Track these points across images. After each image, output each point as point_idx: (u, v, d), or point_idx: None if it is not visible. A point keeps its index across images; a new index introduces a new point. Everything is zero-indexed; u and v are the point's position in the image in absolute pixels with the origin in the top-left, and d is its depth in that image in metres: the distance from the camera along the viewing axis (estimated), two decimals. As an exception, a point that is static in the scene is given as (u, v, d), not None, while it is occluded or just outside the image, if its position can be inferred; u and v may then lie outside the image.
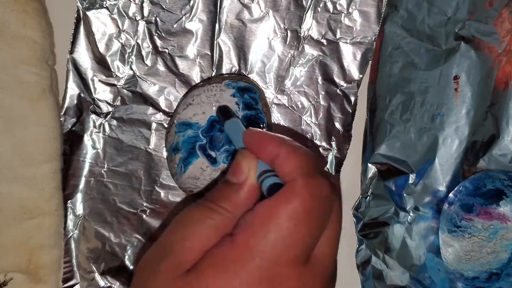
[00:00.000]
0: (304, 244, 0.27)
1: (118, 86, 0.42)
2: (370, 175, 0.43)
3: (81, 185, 0.42)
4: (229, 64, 0.42)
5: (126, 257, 0.43)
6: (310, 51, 0.42)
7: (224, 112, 0.38)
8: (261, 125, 0.40)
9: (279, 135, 0.31)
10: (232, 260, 0.27)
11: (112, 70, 0.41)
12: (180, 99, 0.41)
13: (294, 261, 0.27)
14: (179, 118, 0.40)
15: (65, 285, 0.42)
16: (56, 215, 0.40)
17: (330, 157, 0.43)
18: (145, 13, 0.41)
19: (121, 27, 0.41)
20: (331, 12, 0.42)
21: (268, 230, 0.27)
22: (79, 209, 0.42)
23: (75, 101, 0.42)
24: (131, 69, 0.42)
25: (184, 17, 0.41)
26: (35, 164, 0.39)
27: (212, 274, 0.27)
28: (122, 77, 0.42)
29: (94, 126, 0.42)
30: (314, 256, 0.28)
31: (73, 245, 0.42)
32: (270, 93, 0.43)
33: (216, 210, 0.29)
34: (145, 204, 0.42)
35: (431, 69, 0.42)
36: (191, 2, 0.41)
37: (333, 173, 0.43)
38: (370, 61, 0.43)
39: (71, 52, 0.41)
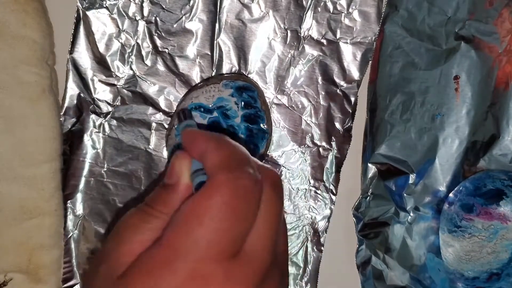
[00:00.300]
0: (228, 239, 0.27)
1: (118, 86, 0.42)
2: (370, 175, 0.43)
3: (81, 185, 0.42)
4: (229, 64, 0.42)
5: (126, 257, 0.42)
6: (310, 51, 0.42)
7: (182, 115, 0.38)
8: (261, 123, 0.40)
9: (212, 133, 0.31)
10: (157, 262, 0.27)
11: (112, 70, 0.41)
12: (179, 101, 0.41)
13: (219, 257, 0.27)
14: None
15: (65, 285, 0.42)
16: (56, 215, 0.40)
17: (330, 157, 0.43)
18: (145, 13, 0.41)
19: (121, 27, 0.41)
20: (331, 12, 0.42)
21: (190, 228, 0.27)
22: (79, 209, 0.42)
23: (75, 101, 0.42)
24: (131, 69, 0.42)
25: (184, 17, 0.41)
26: (35, 164, 0.39)
27: (138, 278, 0.27)
28: (122, 77, 0.42)
29: (94, 126, 0.42)
30: (244, 250, 0.28)
31: (73, 245, 0.42)
32: (270, 93, 0.43)
33: (152, 213, 0.29)
34: (145, 204, 0.42)
35: (431, 69, 0.42)
36: (191, 2, 0.41)
37: (333, 173, 0.43)
38: (370, 61, 0.43)
39: (71, 52, 0.41)
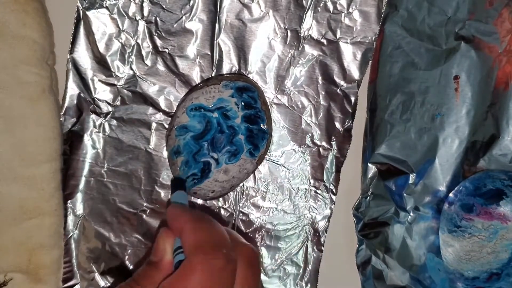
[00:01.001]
0: None
1: (118, 86, 0.42)
2: (370, 175, 0.43)
3: (81, 185, 0.42)
4: (229, 64, 0.42)
5: (126, 257, 0.43)
6: (310, 51, 0.42)
7: (180, 185, 0.39)
8: (261, 124, 0.40)
9: (193, 212, 0.33)
10: None
11: (112, 70, 0.41)
12: (179, 102, 0.41)
13: None
14: (179, 122, 0.40)
15: (65, 285, 0.42)
16: (56, 215, 0.40)
17: (330, 157, 0.43)
18: (145, 13, 0.41)
19: (121, 27, 0.41)
20: (331, 12, 0.42)
21: None
22: (79, 209, 0.42)
23: (75, 101, 0.41)
24: (131, 69, 0.42)
25: (184, 17, 0.41)
26: (35, 164, 0.39)
27: None
28: (122, 77, 0.42)
29: (94, 126, 0.42)
30: None
31: (73, 245, 0.42)
32: (270, 93, 0.43)
33: None
34: (145, 204, 0.42)
35: (431, 69, 0.42)
36: (191, 2, 0.41)
37: (333, 173, 0.43)
38: (370, 61, 0.43)
39: (71, 52, 0.41)
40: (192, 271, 0.29)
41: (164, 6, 0.41)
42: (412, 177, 0.42)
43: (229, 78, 0.41)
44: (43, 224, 0.40)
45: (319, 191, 0.43)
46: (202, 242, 0.30)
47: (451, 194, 0.41)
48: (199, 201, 0.43)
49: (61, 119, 0.41)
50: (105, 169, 0.42)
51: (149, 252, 0.42)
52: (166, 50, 0.42)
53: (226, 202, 0.43)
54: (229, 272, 0.30)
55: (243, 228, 0.43)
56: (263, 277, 0.44)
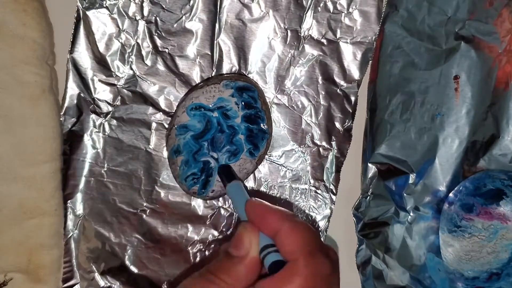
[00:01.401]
0: None
1: (118, 86, 0.42)
2: (370, 175, 0.43)
3: (81, 185, 0.42)
4: (229, 64, 0.42)
5: (126, 257, 0.43)
6: (310, 50, 0.42)
7: (226, 174, 0.38)
8: (261, 124, 0.40)
9: (280, 208, 0.32)
10: None
11: (112, 70, 0.41)
12: (179, 101, 0.41)
13: None
14: (179, 121, 0.40)
15: (65, 285, 0.42)
16: (56, 215, 0.40)
17: (330, 157, 0.43)
18: (145, 12, 0.41)
19: (121, 26, 0.41)
20: (331, 11, 0.42)
21: None
22: (79, 209, 0.42)
23: (75, 101, 0.41)
24: (131, 68, 0.42)
25: (184, 16, 0.41)
26: (35, 164, 0.39)
27: None
28: (122, 77, 0.42)
29: (94, 126, 0.42)
30: None
31: (73, 245, 0.42)
32: (270, 93, 0.43)
33: (214, 281, 0.30)
34: (145, 204, 0.42)
35: (431, 69, 0.42)
36: (191, 2, 0.41)
37: (333, 173, 0.43)
38: (370, 61, 0.43)
39: (71, 52, 0.41)
40: (299, 276, 0.28)
41: (164, 6, 0.41)
42: (412, 177, 0.42)
43: (229, 78, 0.41)
44: (43, 224, 0.40)
45: (319, 191, 0.43)
46: (307, 245, 0.29)
47: (451, 194, 0.41)
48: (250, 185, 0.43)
49: (61, 119, 0.41)
50: (105, 169, 0.42)
51: (150, 251, 0.42)
52: (166, 50, 0.42)
53: (226, 202, 0.43)
54: (336, 278, 0.30)
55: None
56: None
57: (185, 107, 0.40)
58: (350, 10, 0.42)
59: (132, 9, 0.41)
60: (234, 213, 0.43)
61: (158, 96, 0.42)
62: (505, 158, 0.41)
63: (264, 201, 0.33)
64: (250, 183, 0.43)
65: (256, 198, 0.34)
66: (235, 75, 0.42)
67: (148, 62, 0.42)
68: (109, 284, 0.42)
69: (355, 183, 0.44)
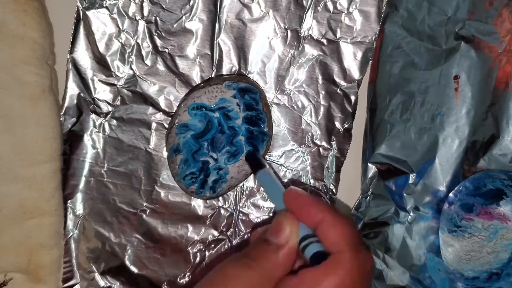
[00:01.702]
0: None
1: (118, 86, 0.42)
2: (370, 175, 0.43)
3: (81, 185, 0.42)
4: (229, 64, 0.42)
5: (126, 257, 0.43)
6: (310, 50, 0.42)
7: (254, 161, 0.38)
8: (262, 126, 0.40)
9: (321, 200, 0.32)
10: None
11: (112, 70, 0.41)
12: (180, 101, 0.41)
13: None
14: (180, 120, 0.40)
15: (65, 285, 0.42)
16: (56, 215, 0.40)
17: (330, 157, 0.43)
18: (145, 12, 0.41)
19: (121, 26, 0.41)
20: (331, 11, 0.42)
21: None
22: (79, 209, 0.42)
23: (75, 101, 0.41)
24: (131, 68, 0.42)
25: (184, 16, 0.41)
26: (35, 164, 0.39)
27: None
28: (122, 77, 0.42)
29: (94, 126, 0.42)
30: None
31: (73, 245, 0.42)
32: (270, 93, 0.42)
33: (253, 267, 0.30)
34: (145, 204, 0.42)
35: (431, 69, 0.42)
36: (191, 2, 0.41)
37: (333, 173, 0.43)
38: (370, 61, 0.43)
39: (71, 52, 0.41)
40: (344, 269, 0.28)
41: (164, 6, 0.41)
42: (412, 177, 0.42)
43: (232, 79, 0.41)
44: (43, 224, 0.40)
45: (319, 191, 0.43)
46: (352, 238, 0.29)
47: (451, 194, 0.41)
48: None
49: (61, 119, 0.41)
50: (105, 169, 0.42)
51: (150, 251, 0.42)
52: (166, 50, 0.42)
53: (226, 202, 0.43)
54: (372, 273, 0.30)
55: (243, 228, 0.43)
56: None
57: (187, 106, 0.40)
58: (350, 10, 0.42)
59: (132, 9, 0.41)
60: (234, 213, 0.43)
61: (158, 96, 0.42)
62: (505, 158, 0.41)
63: (303, 190, 0.33)
64: (250, 183, 0.43)
65: (295, 187, 0.33)
66: (237, 76, 0.42)
67: (148, 62, 0.42)
68: (109, 284, 0.42)
69: (355, 183, 0.44)
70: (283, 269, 0.30)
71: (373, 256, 0.30)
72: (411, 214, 0.42)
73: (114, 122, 0.42)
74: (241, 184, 0.42)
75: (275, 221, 0.32)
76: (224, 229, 0.43)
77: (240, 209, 0.43)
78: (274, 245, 0.31)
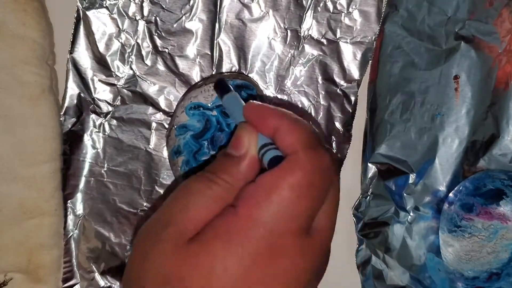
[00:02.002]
0: (306, 216, 0.28)
1: (118, 86, 0.42)
2: (370, 175, 0.43)
3: (81, 185, 0.42)
4: (229, 64, 0.42)
5: (126, 257, 0.43)
6: (310, 50, 0.42)
7: (222, 87, 0.37)
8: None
9: (278, 108, 0.31)
10: (236, 230, 0.27)
11: (112, 69, 0.41)
12: (178, 101, 0.41)
13: (296, 232, 0.27)
14: (179, 121, 0.40)
15: (65, 285, 0.42)
16: (56, 215, 0.40)
17: (330, 157, 0.43)
18: (145, 12, 0.41)
19: (121, 26, 0.41)
20: (331, 11, 0.42)
21: (271, 202, 0.27)
22: (79, 209, 0.42)
23: (75, 101, 0.41)
24: (131, 68, 0.42)
25: (184, 16, 0.41)
26: (35, 164, 0.39)
27: (217, 244, 0.27)
28: (122, 77, 0.42)
29: (94, 126, 0.42)
30: (314, 228, 0.29)
31: (73, 245, 0.42)
32: (270, 93, 0.43)
33: (216, 181, 0.29)
34: (145, 204, 0.42)
35: (431, 68, 0.42)
36: (191, 2, 0.41)
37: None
38: (370, 61, 0.43)
39: (71, 51, 0.41)
40: (299, 168, 0.27)
41: (164, 6, 0.41)
42: (412, 177, 0.42)
43: (227, 76, 0.41)
44: (43, 224, 0.40)
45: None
46: (307, 139, 0.29)
47: (451, 194, 0.41)
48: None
49: (61, 119, 0.41)
50: (105, 169, 0.42)
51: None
52: (166, 50, 0.42)
53: (226, 202, 0.43)
54: (333, 171, 0.29)
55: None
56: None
57: (184, 107, 0.40)
58: (350, 10, 0.42)
59: (132, 9, 0.41)
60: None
61: (158, 96, 0.42)
62: (505, 158, 0.41)
63: (262, 103, 0.33)
64: (250, 183, 0.43)
65: (254, 101, 0.33)
66: (232, 74, 0.42)
67: (148, 62, 0.42)
68: (109, 284, 0.42)
69: (355, 183, 0.44)
70: (245, 180, 0.29)
71: (332, 156, 0.29)
72: (411, 214, 0.42)
73: (114, 122, 0.42)
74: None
75: (234, 135, 0.31)
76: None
77: (240, 209, 0.43)
78: (234, 158, 0.30)
